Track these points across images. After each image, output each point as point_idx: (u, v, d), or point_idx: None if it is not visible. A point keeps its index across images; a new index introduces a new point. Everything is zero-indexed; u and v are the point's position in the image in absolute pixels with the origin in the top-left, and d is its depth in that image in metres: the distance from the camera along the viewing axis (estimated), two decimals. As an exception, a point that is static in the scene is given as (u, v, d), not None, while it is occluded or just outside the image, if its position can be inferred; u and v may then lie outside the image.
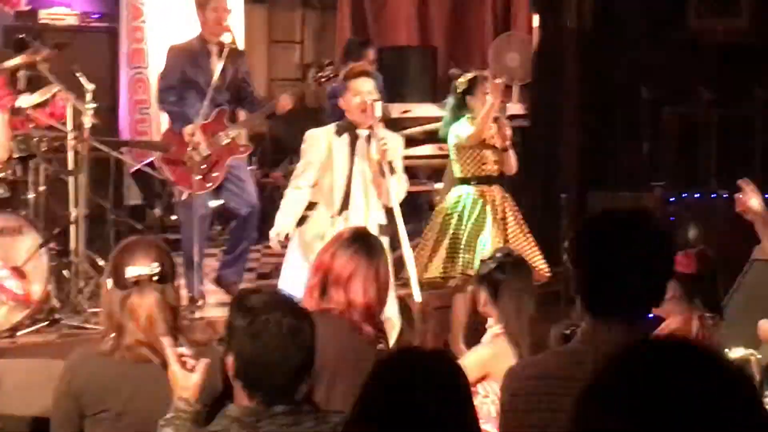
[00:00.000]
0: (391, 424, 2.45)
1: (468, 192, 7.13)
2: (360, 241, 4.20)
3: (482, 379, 4.57)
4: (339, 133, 6.24)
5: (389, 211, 6.31)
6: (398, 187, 6.24)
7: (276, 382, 3.02)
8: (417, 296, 6.16)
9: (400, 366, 2.61)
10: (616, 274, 2.91)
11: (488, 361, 4.55)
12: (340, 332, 3.93)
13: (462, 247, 7.01)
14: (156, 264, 3.56)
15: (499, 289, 4.60)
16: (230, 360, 3.02)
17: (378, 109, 6.18)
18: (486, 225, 7.04)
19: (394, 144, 6.29)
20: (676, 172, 9.22)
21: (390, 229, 6.25)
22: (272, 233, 6.32)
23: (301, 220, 6.29)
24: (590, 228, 3.03)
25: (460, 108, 7.22)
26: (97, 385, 3.48)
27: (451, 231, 7.08)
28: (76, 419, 3.52)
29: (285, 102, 7.66)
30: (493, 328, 4.67)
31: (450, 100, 7.39)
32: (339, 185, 6.21)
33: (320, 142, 6.26)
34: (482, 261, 4.93)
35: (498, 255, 4.85)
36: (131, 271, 3.54)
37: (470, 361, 4.54)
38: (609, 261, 2.92)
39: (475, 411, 2.62)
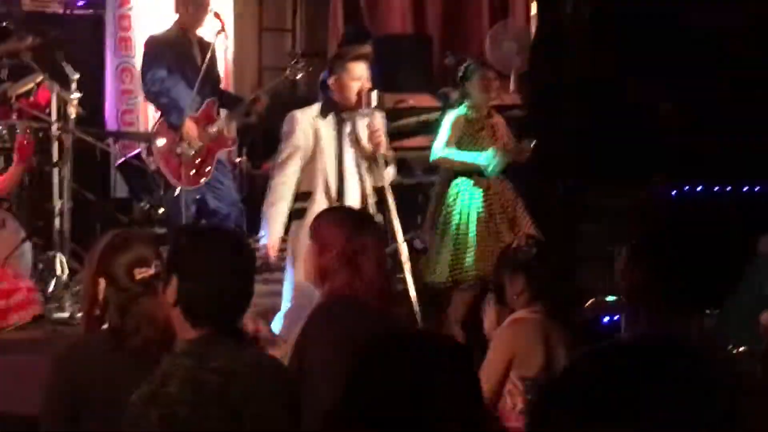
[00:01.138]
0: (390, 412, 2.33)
1: (467, 186, 7.14)
2: (360, 222, 4.21)
3: (510, 365, 4.50)
4: (324, 114, 6.19)
5: (380, 197, 6.36)
6: (390, 169, 6.33)
7: (222, 304, 3.07)
8: (411, 288, 6.17)
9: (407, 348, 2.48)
10: (699, 271, 3.01)
11: (512, 341, 4.52)
12: (379, 320, 3.92)
13: (468, 247, 7.03)
14: (158, 262, 3.52)
15: (536, 276, 4.58)
16: (172, 286, 3.04)
17: (374, 98, 6.19)
18: (492, 220, 7.08)
19: (383, 129, 6.33)
20: (678, 164, 9.21)
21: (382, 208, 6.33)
22: (267, 243, 6.22)
23: (299, 213, 6.22)
24: (681, 225, 3.18)
25: (462, 96, 7.28)
26: (103, 379, 3.42)
27: (452, 231, 7.10)
28: (71, 415, 3.44)
29: (261, 102, 7.78)
30: (516, 313, 4.61)
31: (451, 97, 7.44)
32: (332, 171, 6.18)
33: (305, 125, 6.20)
34: (515, 249, 4.88)
35: (530, 243, 4.85)
36: (140, 273, 3.49)
37: (496, 345, 4.53)
38: (696, 258, 3.03)
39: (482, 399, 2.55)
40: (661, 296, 3.13)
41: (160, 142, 7.43)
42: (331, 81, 6.21)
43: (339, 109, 6.19)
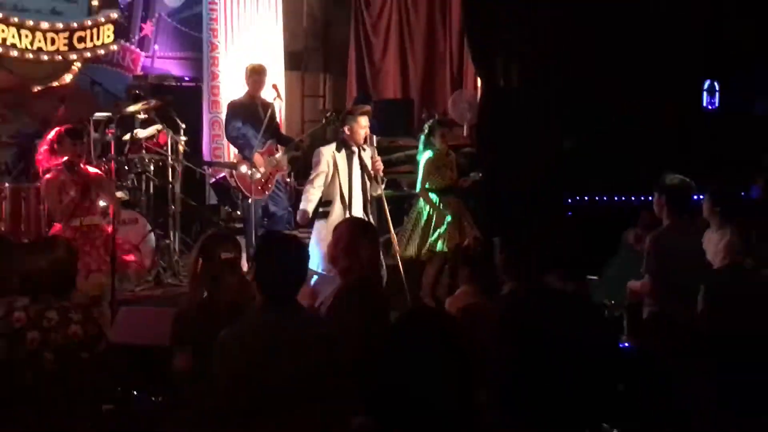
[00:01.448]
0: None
1: (435, 199, 7.07)
2: (363, 228, 4.21)
3: None
4: (339, 149, 6.21)
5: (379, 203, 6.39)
6: (381, 185, 6.33)
7: (282, 283, 3.10)
8: (400, 266, 6.23)
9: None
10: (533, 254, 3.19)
11: (454, 304, 4.33)
12: (380, 300, 3.95)
13: (430, 235, 6.93)
14: (237, 250, 3.62)
15: (477, 265, 4.39)
16: (253, 269, 3.16)
17: (374, 140, 6.28)
18: (444, 221, 6.97)
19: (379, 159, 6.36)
20: (576, 181, 8.82)
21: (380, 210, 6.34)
22: (300, 213, 6.30)
23: (324, 215, 6.22)
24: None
25: (427, 143, 7.17)
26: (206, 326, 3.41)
27: (422, 224, 7.01)
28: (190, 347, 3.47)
29: (304, 142, 7.83)
30: (462, 287, 4.50)
31: (422, 138, 7.44)
32: (345, 186, 6.19)
33: (327, 157, 6.20)
34: (467, 246, 4.76)
35: (477, 243, 4.75)
36: (225, 256, 3.57)
37: (448, 308, 4.42)
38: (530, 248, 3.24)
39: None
40: (512, 269, 3.29)
41: (239, 168, 7.41)
42: (345, 128, 6.24)
43: (349, 146, 6.20)
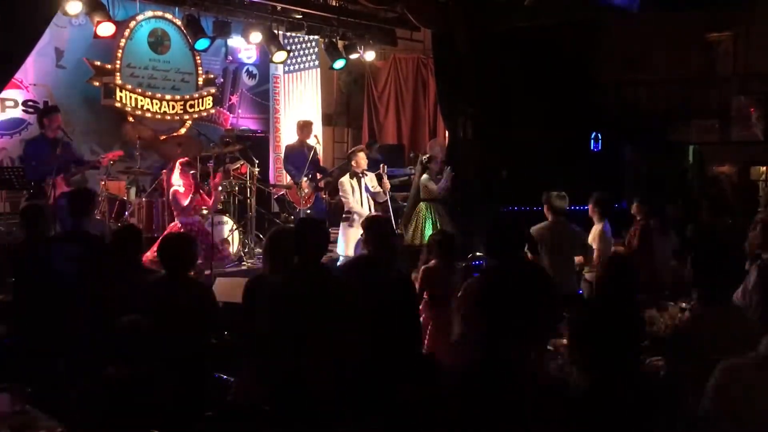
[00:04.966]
0: None
1: (427, 205, 7.09)
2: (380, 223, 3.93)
3: (423, 285, 4.14)
4: (352, 176, 6.26)
5: (383, 206, 6.34)
6: (385, 196, 6.35)
7: (311, 249, 2.98)
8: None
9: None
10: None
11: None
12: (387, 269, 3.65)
13: (425, 229, 6.94)
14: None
15: (440, 245, 4.27)
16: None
17: (385, 168, 6.30)
18: (430, 219, 7.01)
19: (378, 179, 6.38)
20: (506, 197, 8.24)
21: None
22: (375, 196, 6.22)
23: (344, 219, 6.21)
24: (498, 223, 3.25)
25: (424, 170, 7.22)
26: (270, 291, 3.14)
27: (420, 224, 7.03)
28: (252, 309, 3.23)
29: (334, 173, 7.74)
30: (431, 262, 4.33)
31: (418, 168, 7.47)
32: (357, 200, 6.22)
33: (347, 182, 6.25)
34: (439, 234, 4.50)
35: (444, 234, 4.55)
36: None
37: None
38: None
39: None
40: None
41: (291, 189, 7.45)
42: (352, 162, 6.29)
43: (357, 174, 6.22)
